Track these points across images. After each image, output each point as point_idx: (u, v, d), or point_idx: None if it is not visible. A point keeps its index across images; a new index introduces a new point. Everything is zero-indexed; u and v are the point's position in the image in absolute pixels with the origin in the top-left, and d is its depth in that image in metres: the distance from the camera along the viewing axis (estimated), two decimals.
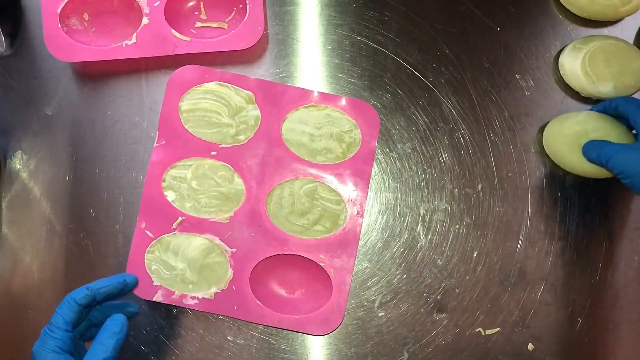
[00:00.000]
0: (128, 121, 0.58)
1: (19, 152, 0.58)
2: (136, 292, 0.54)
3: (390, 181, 0.58)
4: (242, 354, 0.56)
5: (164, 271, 0.54)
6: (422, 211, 0.57)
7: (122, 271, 0.56)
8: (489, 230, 0.57)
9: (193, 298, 0.54)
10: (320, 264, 0.54)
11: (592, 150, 0.53)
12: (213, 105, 0.56)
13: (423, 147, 0.58)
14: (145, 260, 0.54)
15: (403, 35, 0.59)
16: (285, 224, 0.54)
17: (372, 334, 0.56)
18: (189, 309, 0.55)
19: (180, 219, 0.54)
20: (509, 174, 0.58)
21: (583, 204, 0.57)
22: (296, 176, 0.55)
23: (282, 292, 0.56)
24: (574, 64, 0.57)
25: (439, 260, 0.57)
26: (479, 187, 0.58)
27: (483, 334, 0.56)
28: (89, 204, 0.57)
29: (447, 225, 0.57)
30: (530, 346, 0.56)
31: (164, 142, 0.55)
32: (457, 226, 0.57)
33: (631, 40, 0.59)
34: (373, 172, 0.58)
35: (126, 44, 0.56)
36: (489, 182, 0.58)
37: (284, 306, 0.55)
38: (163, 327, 0.56)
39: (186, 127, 0.55)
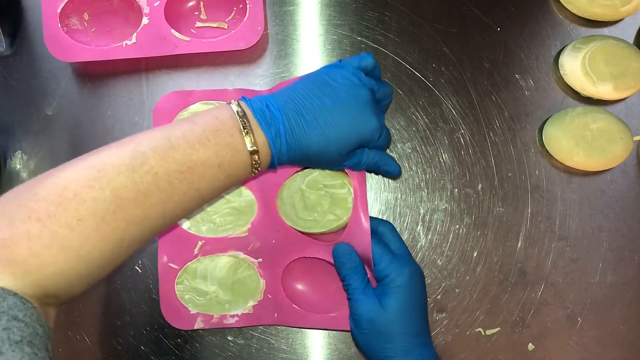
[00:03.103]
0: (128, 121, 0.58)
1: (19, 152, 0.58)
2: (175, 324, 0.54)
3: (390, 181, 0.58)
4: (242, 354, 0.56)
5: (198, 298, 0.54)
6: (422, 211, 0.57)
7: (123, 274, 0.56)
8: (489, 230, 0.57)
9: (233, 316, 0.54)
10: None
11: (345, 261, 0.51)
12: None
13: (423, 147, 0.58)
14: (176, 292, 0.54)
15: (403, 35, 0.59)
16: (300, 223, 0.53)
17: None
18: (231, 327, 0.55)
19: (200, 243, 0.54)
20: (509, 174, 0.58)
21: (583, 204, 0.57)
22: (295, 171, 0.54)
23: (316, 290, 0.55)
24: (574, 64, 0.57)
25: (438, 260, 0.57)
26: (479, 187, 0.58)
27: (483, 334, 0.56)
28: None
29: (447, 225, 0.57)
30: (530, 346, 0.56)
31: None
32: (457, 226, 0.57)
33: (631, 40, 0.59)
34: (374, 175, 0.58)
35: (126, 44, 0.56)
36: (489, 182, 0.58)
37: (321, 304, 0.54)
38: (163, 327, 0.56)
39: None
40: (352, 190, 0.52)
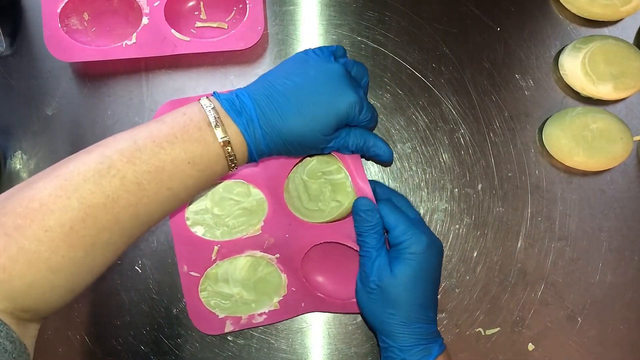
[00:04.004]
0: (128, 121, 0.58)
1: (19, 152, 0.58)
2: (206, 330, 0.54)
3: (390, 181, 0.58)
4: (242, 354, 0.56)
5: (223, 302, 0.54)
6: (422, 211, 0.57)
7: (123, 274, 0.56)
8: (489, 230, 0.57)
9: (261, 315, 0.54)
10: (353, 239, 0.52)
11: (365, 217, 0.49)
12: None
13: (423, 147, 0.58)
14: (202, 300, 0.54)
15: (403, 35, 0.59)
16: (307, 214, 0.53)
17: (372, 334, 0.56)
18: (256, 326, 0.55)
19: (216, 247, 0.54)
20: (509, 174, 0.58)
21: (583, 204, 0.57)
22: (296, 163, 0.53)
23: (336, 276, 0.55)
24: (574, 64, 0.57)
25: None
26: (479, 187, 0.58)
27: (483, 334, 0.56)
28: None
29: (447, 225, 0.57)
30: (530, 346, 0.56)
31: None
32: (457, 226, 0.57)
33: (631, 40, 0.59)
34: (373, 172, 0.58)
35: (126, 44, 0.56)
36: (489, 182, 0.58)
37: (343, 290, 0.54)
38: (163, 327, 0.56)
39: None
40: (348, 174, 0.51)
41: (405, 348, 0.47)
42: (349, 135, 0.48)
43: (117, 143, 0.40)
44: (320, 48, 0.48)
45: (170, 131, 0.41)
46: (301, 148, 0.46)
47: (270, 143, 0.44)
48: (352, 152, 0.50)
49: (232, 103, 0.44)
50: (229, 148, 0.43)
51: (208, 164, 0.42)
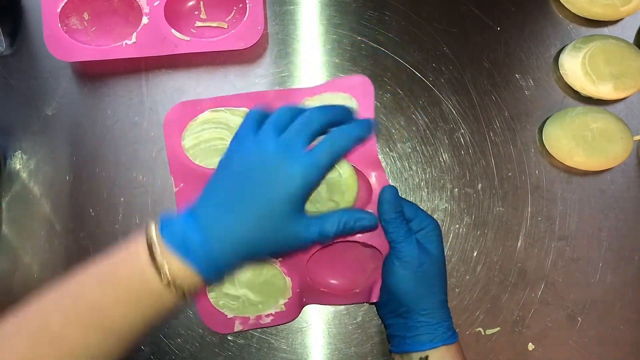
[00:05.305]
0: (128, 121, 0.58)
1: (19, 152, 0.58)
2: (216, 328, 0.54)
3: (390, 181, 0.58)
4: (242, 354, 0.56)
5: (231, 302, 0.54)
6: None
7: None
8: (489, 230, 0.57)
9: (268, 316, 0.54)
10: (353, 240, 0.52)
11: (394, 203, 0.48)
12: (214, 133, 0.54)
13: (423, 147, 0.58)
14: (211, 301, 0.54)
15: (403, 35, 0.59)
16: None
17: (372, 334, 0.56)
18: (263, 327, 0.55)
19: None
20: (509, 174, 0.58)
21: (583, 203, 0.57)
22: None
23: (338, 274, 0.55)
24: (574, 64, 0.57)
25: None
26: (479, 186, 0.58)
27: (483, 333, 0.56)
28: (89, 204, 0.57)
29: (447, 225, 0.57)
30: (530, 346, 0.56)
31: (182, 185, 0.54)
32: (457, 226, 0.57)
33: (631, 40, 0.59)
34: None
35: (126, 43, 0.56)
36: (489, 181, 0.58)
37: (345, 285, 0.54)
38: (163, 327, 0.56)
39: (197, 162, 0.54)
40: (342, 172, 0.50)
41: (445, 322, 0.49)
42: (326, 219, 0.44)
43: (58, 314, 0.40)
44: (242, 125, 0.45)
45: (116, 297, 0.41)
46: (277, 246, 0.43)
47: (228, 256, 0.42)
48: (335, 235, 0.45)
49: (171, 231, 0.41)
50: (172, 284, 0.41)
51: (154, 302, 0.41)
